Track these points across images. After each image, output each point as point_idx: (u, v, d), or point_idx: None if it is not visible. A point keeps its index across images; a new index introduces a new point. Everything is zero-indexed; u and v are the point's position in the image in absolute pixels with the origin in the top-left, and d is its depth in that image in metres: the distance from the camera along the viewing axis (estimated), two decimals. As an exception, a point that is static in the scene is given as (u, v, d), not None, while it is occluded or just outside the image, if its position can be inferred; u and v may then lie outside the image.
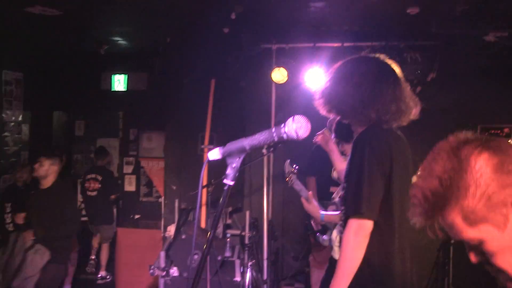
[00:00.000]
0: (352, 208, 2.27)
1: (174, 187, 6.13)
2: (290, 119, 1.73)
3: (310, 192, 3.41)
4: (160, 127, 7.36)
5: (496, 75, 6.11)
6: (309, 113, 2.63)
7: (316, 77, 5.79)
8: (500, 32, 5.31)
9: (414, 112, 2.45)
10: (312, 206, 3.36)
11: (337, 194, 3.92)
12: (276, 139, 1.76)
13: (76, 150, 8.45)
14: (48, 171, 5.06)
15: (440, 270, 5.96)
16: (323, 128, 3.68)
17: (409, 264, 2.42)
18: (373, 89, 2.35)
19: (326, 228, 3.96)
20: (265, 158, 5.88)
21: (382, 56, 2.55)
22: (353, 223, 2.25)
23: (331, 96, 2.45)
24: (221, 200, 1.87)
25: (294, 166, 3.77)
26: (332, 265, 3.61)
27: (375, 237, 2.28)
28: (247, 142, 1.80)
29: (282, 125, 1.74)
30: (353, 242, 2.24)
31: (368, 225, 2.24)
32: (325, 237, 3.91)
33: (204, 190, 5.07)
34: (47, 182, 5.10)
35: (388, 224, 2.32)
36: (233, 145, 1.83)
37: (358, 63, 2.50)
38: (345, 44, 5.83)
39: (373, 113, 2.34)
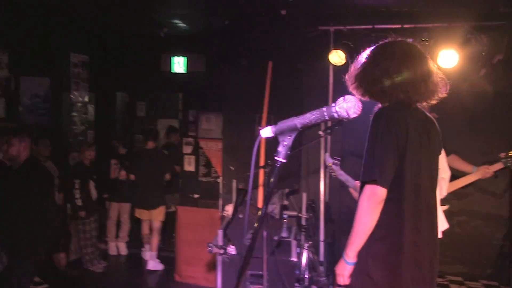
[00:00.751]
0: (366, 175, 2.36)
1: (232, 168, 6.25)
2: (341, 98, 1.76)
3: (357, 182, 3.42)
4: (219, 109, 7.48)
5: None
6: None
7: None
8: None
9: (443, 90, 2.55)
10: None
11: None
12: (327, 118, 1.79)
13: (138, 131, 8.74)
14: (19, 149, 4.61)
15: (506, 259, 5.78)
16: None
17: (427, 241, 2.45)
18: (400, 71, 2.45)
19: None
20: (322, 140, 5.88)
21: (409, 39, 2.65)
22: (367, 188, 2.35)
23: (362, 81, 2.55)
24: (272, 177, 1.93)
25: (335, 158, 3.75)
26: None
27: (384, 209, 2.37)
28: (298, 121, 1.85)
29: (333, 104, 1.77)
30: (366, 207, 2.35)
31: (380, 191, 2.33)
32: None
33: (261, 171, 5.14)
34: (19, 162, 4.66)
35: (398, 198, 2.39)
36: (285, 124, 1.88)
37: (385, 48, 2.59)
38: (405, 26, 5.69)
39: (402, 94, 2.45)
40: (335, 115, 1.78)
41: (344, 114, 1.76)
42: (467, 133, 6.06)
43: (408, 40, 2.65)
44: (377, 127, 2.38)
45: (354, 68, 2.61)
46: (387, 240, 2.39)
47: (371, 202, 2.34)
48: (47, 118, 7.05)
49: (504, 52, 5.54)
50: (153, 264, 6.96)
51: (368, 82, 2.52)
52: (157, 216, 7.06)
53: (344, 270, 2.45)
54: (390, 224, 2.39)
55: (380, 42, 2.63)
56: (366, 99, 2.66)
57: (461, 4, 5.10)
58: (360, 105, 1.79)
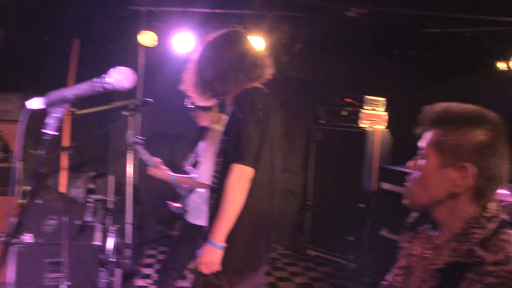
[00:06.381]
0: (236, 156, 2.40)
1: (34, 152, 5.78)
2: (113, 69, 1.75)
3: (158, 159, 3.60)
4: (20, 89, 6.85)
5: (358, 48, 6.45)
6: (179, 77, 2.71)
7: (185, 42, 5.75)
8: (360, 9, 5.61)
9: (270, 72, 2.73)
10: (160, 170, 3.63)
11: (188, 162, 3.98)
12: (101, 89, 1.77)
13: None
14: None
15: (299, 230, 6.33)
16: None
17: (276, 205, 2.67)
18: (245, 57, 2.62)
19: (178, 196, 3.99)
20: (131, 122, 5.74)
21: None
22: (237, 169, 2.39)
23: (210, 77, 2.60)
24: (39, 151, 1.84)
25: (138, 137, 3.77)
26: (187, 227, 3.70)
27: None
28: (69, 92, 1.79)
29: (104, 75, 1.77)
30: (237, 187, 2.39)
31: (250, 171, 2.41)
32: (176, 205, 3.97)
33: (64, 153, 4.86)
34: None
35: (261, 172, 2.50)
36: (55, 95, 1.82)
37: (223, 40, 2.68)
38: (216, 11, 5.83)
39: (248, 79, 2.59)
40: (108, 85, 1.77)
41: (117, 85, 1.76)
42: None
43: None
44: (242, 109, 2.44)
45: (195, 71, 2.64)
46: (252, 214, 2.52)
47: (242, 182, 2.40)
48: None
49: (303, 41, 6.01)
50: None
51: (217, 74, 2.56)
52: None
53: (214, 256, 2.40)
54: (254, 200, 2.51)
55: (212, 36, 2.69)
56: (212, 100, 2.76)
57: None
58: (135, 76, 1.80)
